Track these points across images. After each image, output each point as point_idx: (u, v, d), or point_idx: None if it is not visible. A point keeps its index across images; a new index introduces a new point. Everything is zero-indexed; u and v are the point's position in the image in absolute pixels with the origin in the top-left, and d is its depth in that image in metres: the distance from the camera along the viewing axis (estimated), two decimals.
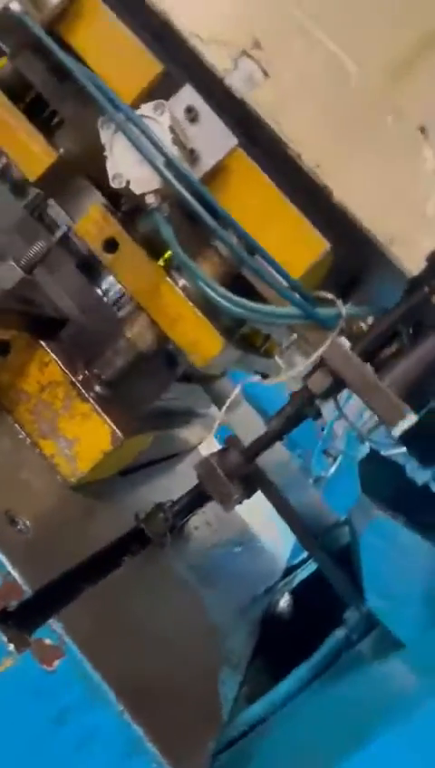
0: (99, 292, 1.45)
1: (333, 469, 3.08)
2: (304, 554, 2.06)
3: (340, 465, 3.28)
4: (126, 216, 1.22)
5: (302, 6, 1.02)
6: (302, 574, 1.87)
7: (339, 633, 1.20)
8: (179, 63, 1.17)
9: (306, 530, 1.25)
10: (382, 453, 2.06)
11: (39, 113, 1.36)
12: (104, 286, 1.49)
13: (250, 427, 2.00)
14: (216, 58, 1.05)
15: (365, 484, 1.89)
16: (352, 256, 1.15)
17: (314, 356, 1.02)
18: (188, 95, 1.04)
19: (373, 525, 1.02)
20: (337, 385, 1.06)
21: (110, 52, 1.11)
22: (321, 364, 1.06)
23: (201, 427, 1.88)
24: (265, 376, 2.01)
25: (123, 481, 1.37)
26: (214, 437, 2.24)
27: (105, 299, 1.39)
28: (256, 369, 1.84)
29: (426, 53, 1.06)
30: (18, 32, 1.06)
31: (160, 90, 1.12)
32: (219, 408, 1.94)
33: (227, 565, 1.70)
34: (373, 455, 2.02)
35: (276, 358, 1.86)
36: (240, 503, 1.16)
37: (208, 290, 1.00)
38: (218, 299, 1.00)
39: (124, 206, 1.27)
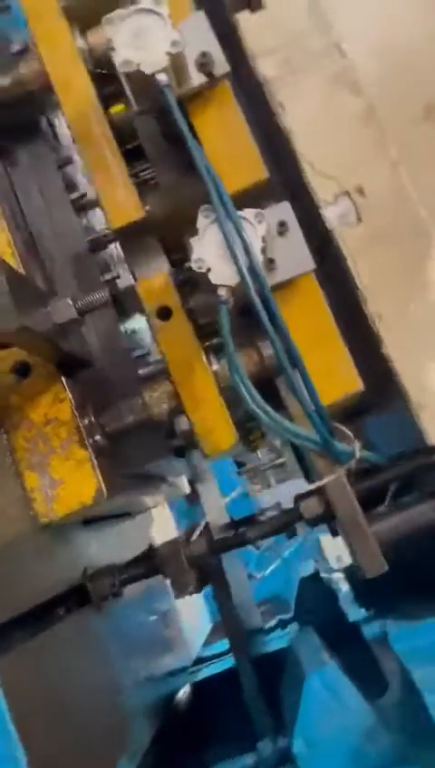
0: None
1: (268, 571, 3.09)
2: (216, 650, 2.06)
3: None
4: (183, 284, 1.27)
5: (412, 177, 1.11)
6: (207, 670, 1.86)
7: (248, 759, 1.19)
8: (284, 173, 1.25)
9: (244, 642, 1.26)
10: (322, 574, 2.10)
11: (134, 161, 1.43)
12: (131, 325, 1.51)
13: (213, 502, 2.04)
14: (320, 189, 1.13)
15: (300, 603, 1.92)
16: (377, 397, 1.21)
17: (319, 483, 1.06)
18: (284, 211, 1.11)
19: (322, 673, 1.02)
20: (326, 516, 1.10)
21: (226, 144, 1.18)
22: (319, 492, 1.10)
23: (164, 494, 1.89)
24: (240, 464, 2.06)
25: (84, 529, 1.36)
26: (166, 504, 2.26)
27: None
28: (237, 458, 1.88)
29: None
30: (154, 97, 1.13)
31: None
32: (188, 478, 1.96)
33: (147, 637, 1.68)
34: (314, 575, 2.05)
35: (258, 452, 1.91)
36: (191, 594, 1.17)
37: (244, 390, 1.04)
38: (251, 402, 1.03)
39: (184, 274, 1.32)
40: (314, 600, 1.93)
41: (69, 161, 1.64)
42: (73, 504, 1.13)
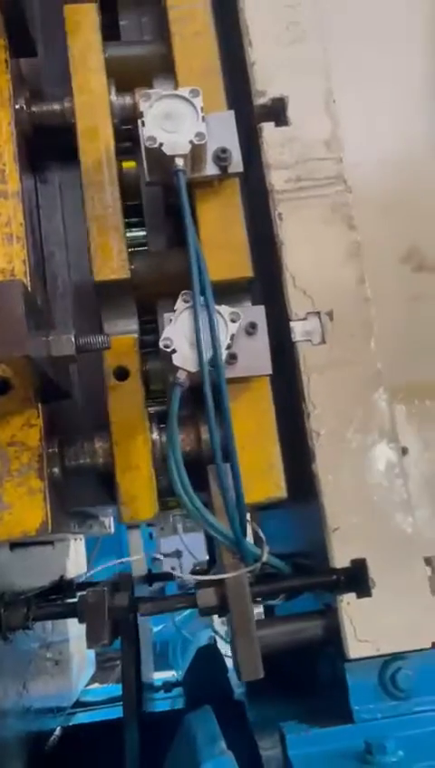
0: None
1: (158, 629, 3.07)
2: (94, 696, 2.04)
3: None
4: (145, 345, 1.31)
5: (379, 313, 1.20)
6: (81, 717, 1.84)
7: None
8: (264, 276, 1.32)
9: (138, 705, 1.25)
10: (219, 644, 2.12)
11: (130, 217, 1.48)
12: None
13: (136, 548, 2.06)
14: (295, 303, 1.20)
15: (192, 671, 1.91)
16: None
17: (221, 576, 1.09)
18: (258, 313, 1.17)
19: (216, 765, 1.01)
20: (219, 609, 1.13)
21: (221, 235, 1.24)
22: (217, 584, 1.12)
23: (93, 530, 1.89)
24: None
25: (9, 552, 1.35)
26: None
27: None
28: None
29: None
30: (167, 175, 1.18)
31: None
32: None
33: (40, 675, 1.65)
34: (210, 646, 2.06)
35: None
36: (103, 646, 1.16)
37: (176, 475, 1.07)
38: (179, 487, 1.07)
39: (146, 336, 1.36)
40: (206, 671, 1.94)
41: None
42: (16, 531, 1.10)
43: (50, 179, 1.50)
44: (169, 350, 1.08)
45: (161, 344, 1.08)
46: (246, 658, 1.06)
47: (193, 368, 1.07)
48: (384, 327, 1.24)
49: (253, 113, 1.31)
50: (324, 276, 1.21)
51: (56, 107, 1.37)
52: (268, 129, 1.27)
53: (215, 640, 2.26)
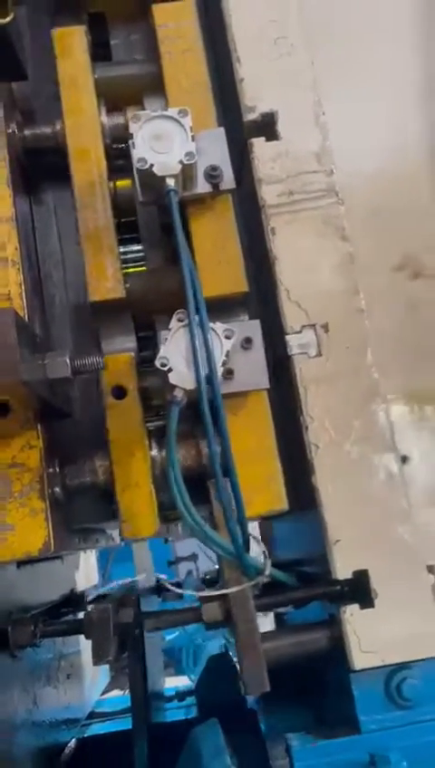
0: None
1: (173, 636, 3.08)
2: (108, 707, 2.05)
3: None
4: (144, 361, 1.32)
5: (373, 324, 1.20)
6: (95, 728, 1.85)
7: None
8: (262, 288, 1.33)
9: (146, 717, 1.26)
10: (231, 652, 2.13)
11: (126, 233, 1.49)
12: None
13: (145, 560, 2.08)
14: (290, 316, 1.21)
15: (205, 681, 1.92)
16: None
17: (224, 591, 1.10)
18: (253, 328, 1.18)
19: None
20: (225, 623, 1.14)
21: (215, 251, 1.25)
22: (221, 598, 1.13)
23: (100, 543, 1.91)
24: None
25: (15, 570, 1.37)
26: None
27: None
28: None
29: None
30: (159, 195, 1.19)
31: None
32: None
33: (53, 687, 1.67)
34: (223, 654, 2.07)
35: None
36: (108, 663, 1.17)
37: (176, 490, 1.07)
38: (180, 503, 1.07)
39: (144, 352, 1.37)
40: (218, 680, 1.96)
41: None
42: (19, 552, 1.12)
43: (44, 200, 1.51)
44: (165, 368, 1.09)
45: (157, 363, 1.09)
46: (252, 672, 1.07)
47: (190, 386, 1.08)
48: (382, 335, 1.25)
49: (244, 128, 1.32)
50: (318, 289, 1.21)
51: (47, 130, 1.39)
52: (259, 145, 1.28)
53: (226, 648, 2.27)
